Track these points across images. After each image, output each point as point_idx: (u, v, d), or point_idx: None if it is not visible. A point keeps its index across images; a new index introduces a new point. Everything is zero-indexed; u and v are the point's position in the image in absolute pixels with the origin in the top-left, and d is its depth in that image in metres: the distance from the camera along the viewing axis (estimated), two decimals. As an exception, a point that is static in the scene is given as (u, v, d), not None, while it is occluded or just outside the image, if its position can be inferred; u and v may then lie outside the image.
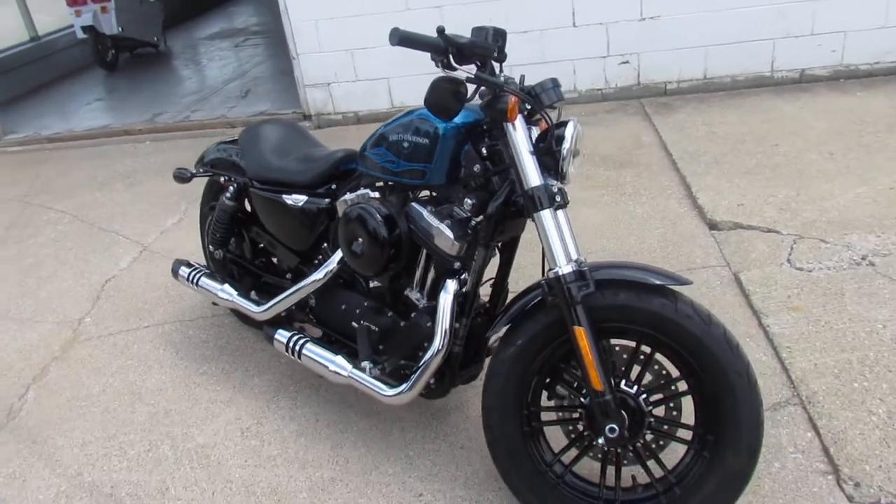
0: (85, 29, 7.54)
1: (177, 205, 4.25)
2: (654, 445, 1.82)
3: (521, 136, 1.74)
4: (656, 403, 1.82)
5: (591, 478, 1.88)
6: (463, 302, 1.96)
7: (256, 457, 2.28)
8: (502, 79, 1.74)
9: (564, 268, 1.70)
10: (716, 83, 4.96)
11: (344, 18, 5.02)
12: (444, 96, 1.71)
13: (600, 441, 1.75)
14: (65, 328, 3.14)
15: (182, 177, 2.64)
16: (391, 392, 2.05)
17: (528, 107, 1.75)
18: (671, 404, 1.83)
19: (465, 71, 1.73)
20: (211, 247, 2.70)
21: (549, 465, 1.86)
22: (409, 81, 5.16)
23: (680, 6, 4.77)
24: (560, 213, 1.87)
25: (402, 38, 1.69)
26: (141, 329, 3.05)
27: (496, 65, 1.79)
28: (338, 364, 2.16)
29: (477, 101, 1.85)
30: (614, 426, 1.70)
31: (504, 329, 1.85)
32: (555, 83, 1.80)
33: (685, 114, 4.63)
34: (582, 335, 1.68)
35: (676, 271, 2.58)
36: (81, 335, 3.07)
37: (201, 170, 2.70)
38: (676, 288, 1.74)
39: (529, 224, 1.88)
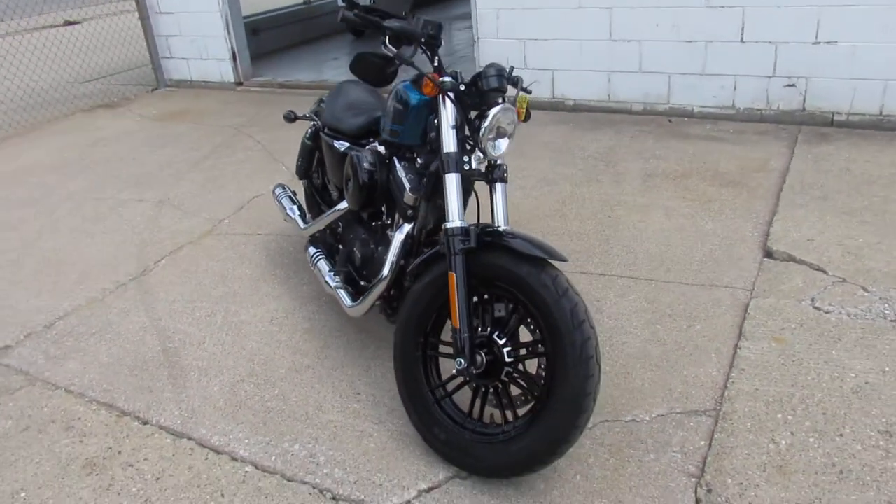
0: (343, -1, 8.84)
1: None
2: (517, 394, 2.10)
3: (446, 113, 2.10)
4: (522, 358, 2.08)
5: (465, 408, 2.21)
6: (412, 244, 2.37)
7: (269, 338, 2.92)
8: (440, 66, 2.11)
9: (452, 224, 2.05)
10: (892, 121, 4.53)
11: (522, 10, 5.44)
12: (358, 64, 2.12)
13: (453, 371, 2.08)
14: (208, 223, 4.07)
15: (288, 117, 3.33)
16: (349, 304, 2.55)
17: (462, 87, 2.11)
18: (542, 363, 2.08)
19: (391, 50, 2.13)
20: (297, 175, 3.38)
21: (433, 388, 2.22)
22: (572, 76, 5.44)
23: (861, 32, 4.44)
24: (498, 185, 2.21)
25: (344, 18, 2.10)
26: (254, 235, 3.87)
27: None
28: (326, 277, 2.70)
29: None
30: (461, 360, 2.02)
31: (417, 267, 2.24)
32: (499, 72, 2.13)
33: (835, 147, 4.34)
34: (452, 280, 2.02)
35: (700, 286, 2.73)
36: (216, 231, 3.97)
37: (304, 114, 3.37)
38: (556, 264, 2.00)
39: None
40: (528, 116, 2.58)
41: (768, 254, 3.21)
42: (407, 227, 2.37)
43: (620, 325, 2.80)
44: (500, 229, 2.10)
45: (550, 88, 5.59)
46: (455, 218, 2.06)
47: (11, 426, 2.54)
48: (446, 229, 2.05)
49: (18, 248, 3.94)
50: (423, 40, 2.12)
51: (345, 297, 2.59)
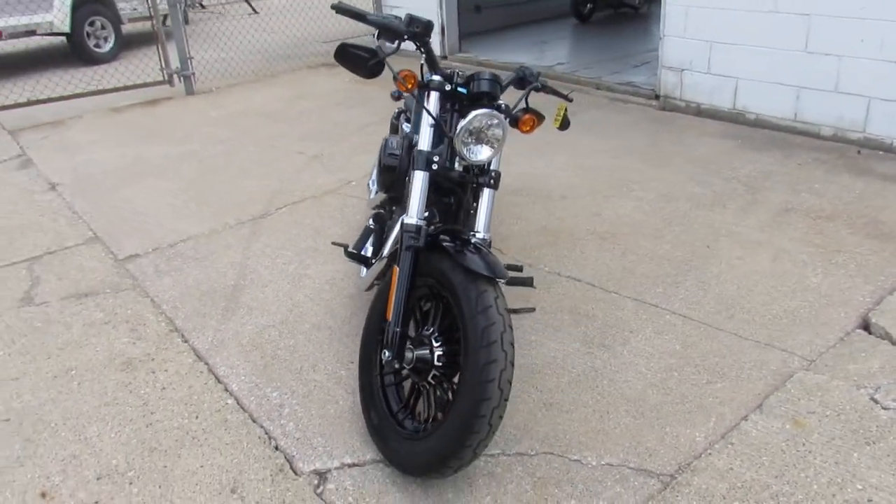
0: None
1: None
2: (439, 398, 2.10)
3: (426, 109, 2.11)
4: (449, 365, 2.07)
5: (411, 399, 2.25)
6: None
7: (316, 295, 3.18)
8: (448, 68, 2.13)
9: (409, 220, 2.08)
10: None
11: (712, 9, 4.98)
12: (341, 55, 2.18)
13: (381, 360, 2.12)
14: (337, 183, 4.44)
15: (393, 96, 3.51)
16: (362, 274, 2.69)
17: (448, 88, 2.10)
18: None
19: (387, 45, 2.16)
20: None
21: (382, 374, 2.29)
22: (756, 87, 4.89)
23: None
24: (485, 191, 2.20)
25: (339, 8, 2.17)
26: (366, 200, 4.15)
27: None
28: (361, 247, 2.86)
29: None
30: (387, 352, 2.07)
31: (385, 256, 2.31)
32: (492, 78, 2.09)
33: None
34: (394, 273, 2.07)
35: (754, 343, 2.51)
36: (339, 190, 4.33)
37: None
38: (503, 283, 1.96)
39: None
40: (565, 125, 2.49)
41: (865, 326, 2.71)
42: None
43: (635, 364, 2.59)
44: (462, 235, 2.08)
45: (732, 98, 5.08)
46: (413, 214, 2.09)
47: (100, 317, 3.10)
48: (402, 224, 2.09)
49: (193, 178, 4.66)
50: (405, 36, 2.15)
51: (362, 269, 2.74)
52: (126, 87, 6.57)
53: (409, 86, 2.11)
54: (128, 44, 8.99)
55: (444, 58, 7.52)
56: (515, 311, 2.89)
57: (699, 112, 5.30)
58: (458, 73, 2.19)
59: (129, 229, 3.94)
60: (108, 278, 3.43)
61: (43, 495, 2.16)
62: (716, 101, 5.18)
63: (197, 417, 2.46)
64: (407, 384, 2.25)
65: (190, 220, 4.02)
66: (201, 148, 5.24)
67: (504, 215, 3.84)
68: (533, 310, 2.94)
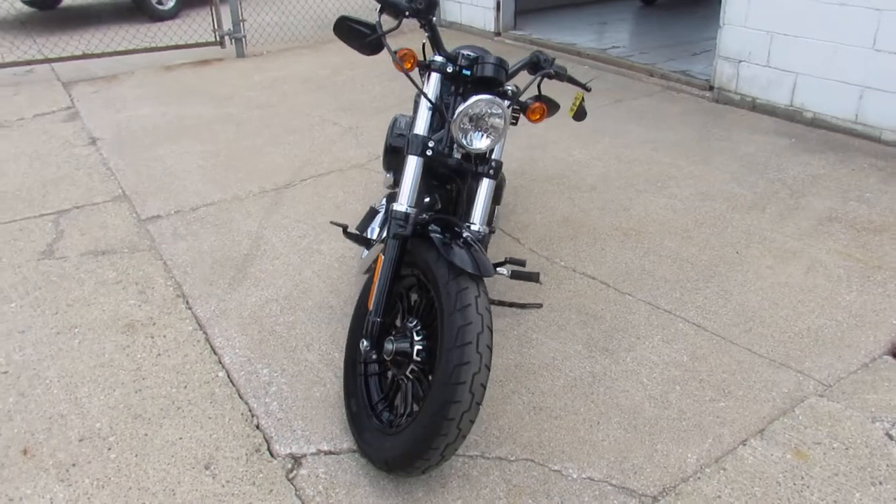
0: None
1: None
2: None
3: (428, 91, 2.01)
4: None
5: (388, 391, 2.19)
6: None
7: (325, 273, 3.14)
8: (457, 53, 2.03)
9: (398, 206, 1.99)
10: None
11: (778, -3, 4.67)
12: (339, 28, 2.08)
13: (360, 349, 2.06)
14: (365, 157, 4.38)
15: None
16: (363, 255, 2.63)
17: (449, 70, 1.99)
18: None
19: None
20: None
21: (365, 362, 2.22)
22: (817, 84, 4.58)
23: None
24: (484, 181, 2.10)
25: None
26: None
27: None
28: (365, 228, 2.79)
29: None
30: (365, 341, 2.00)
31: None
32: (497, 62, 1.97)
33: None
34: (379, 261, 1.99)
35: (769, 361, 2.39)
36: (366, 165, 4.27)
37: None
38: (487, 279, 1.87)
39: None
40: (580, 115, 2.36)
41: (894, 352, 2.51)
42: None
43: (636, 372, 2.46)
44: (455, 226, 1.99)
45: (789, 94, 4.78)
46: (403, 201, 2.01)
47: (112, 276, 3.14)
48: (391, 211, 2.01)
49: (227, 142, 4.67)
50: (406, 13, 2.03)
51: (363, 251, 2.67)
52: (177, 47, 6.63)
53: (408, 66, 2.00)
54: (190, 2, 9.08)
55: (498, 34, 7.34)
56: (522, 306, 2.80)
57: (754, 107, 5.02)
58: (462, 55, 2.08)
59: (155, 189, 3.98)
60: (128, 237, 3.46)
61: (25, 452, 2.19)
62: (772, 97, 4.89)
63: (185, 387, 2.46)
64: (390, 375, 2.18)
65: (215, 185, 4.02)
66: (239, 111, 5.24)
67: (528, 203, 3.71)
68: (540, 306, 2.83)
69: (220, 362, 2.58)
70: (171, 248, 3.36)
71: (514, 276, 2.72)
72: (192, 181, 4.09)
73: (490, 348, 1.81)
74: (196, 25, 7.25)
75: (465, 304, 1.81)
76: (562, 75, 2.22)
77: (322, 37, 7.52)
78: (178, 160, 4.37)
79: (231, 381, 2.48)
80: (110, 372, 2.53)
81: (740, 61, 5.04)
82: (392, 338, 2.02)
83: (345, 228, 2.53)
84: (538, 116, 2.17)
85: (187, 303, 2.94)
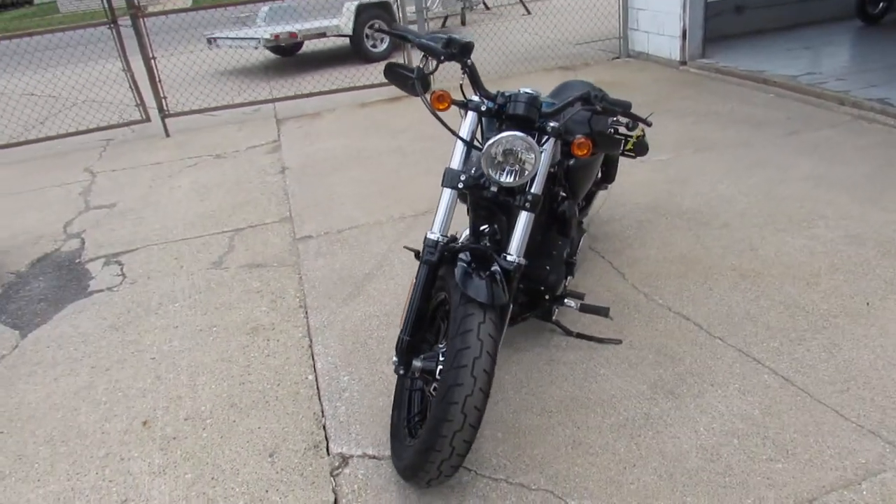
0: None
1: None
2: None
3: (463, 128, 2.14)
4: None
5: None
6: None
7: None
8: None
9: (430, 234, 2.15)
10: None
11: None
12: (389, 73, 2.25)
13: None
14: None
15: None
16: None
17: (483, 108, 2.12)
18: None
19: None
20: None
21: (412, 377, 2.36)
22: None
23: None
24: (522, 214, 2.20)
25: (383, 30, 2.26)
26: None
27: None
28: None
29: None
30: (395, 358, 2.16)
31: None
32: (529, 100, 2.06)
33: None
34: (411, 285, 2.15)
35: (856, 427, 2.37)
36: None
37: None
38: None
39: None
40: (641, 150, 2.36)
41: None
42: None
43: (694, 420, 2.33)
44: (486, 256, 2.09)
45: None
46: (435, 230, 2.16)
47: (256, 286, 3.64)
48: (425, 238, 2.17)
49: (389, 171, 5.11)
50: (442, 57, 2.16)
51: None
52: (371, 86, 7.35)
53: (444, 105, 2.16)
54: (400, 45, 9.95)
55: (683, 63, 7.09)
56: (599, 341, 2.80)
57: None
58: (500, 94, 2.18)
59: (316, 212, 4.50)
60: (280, 254, 3.99)
61: (144, 423, 2.68)
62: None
63: (279, 385, 2.81)
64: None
65: (364, 210, 4.45)
66: (407, 143, 5.70)
67: (647, 238, 3.61)
68: (619, 342, 2.80)
69: (314, 367, 2.90)
70: (310, 265, 3.80)
71: (583, 309, 2.72)
72: (348, 206, 4.56)
73: (487, 374, 1.88)
74: (394, 65, 7.96)
75: (467, 328, 1.90)
76: (610, 110, 2.21)
77: (507, 71, 7.83)
78: (343, 187, 4.89)
79: (316, 384, 2.79)
80: (227, 366, 2.98)
81: (943, 87, 4.39)
82: (422, 356, 2.17)
83: (416, 253, 2.72)
84: (584, 152, 2.19)
85: (306, 312, 3.33)
